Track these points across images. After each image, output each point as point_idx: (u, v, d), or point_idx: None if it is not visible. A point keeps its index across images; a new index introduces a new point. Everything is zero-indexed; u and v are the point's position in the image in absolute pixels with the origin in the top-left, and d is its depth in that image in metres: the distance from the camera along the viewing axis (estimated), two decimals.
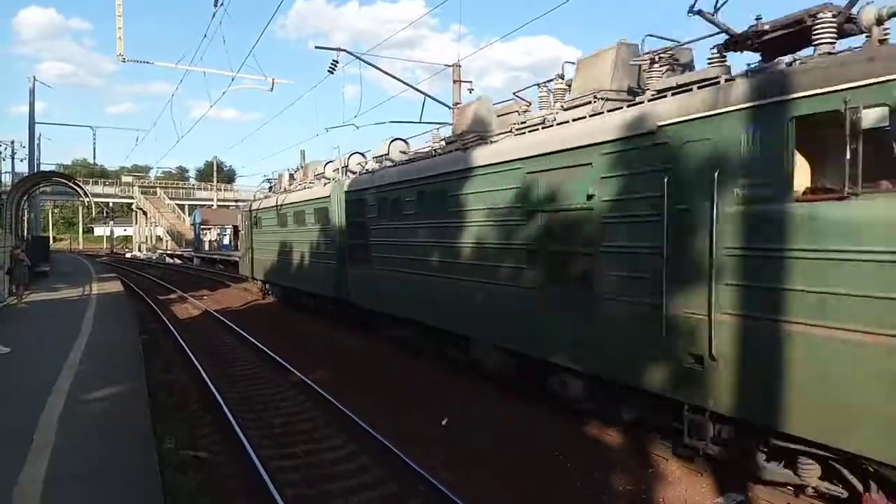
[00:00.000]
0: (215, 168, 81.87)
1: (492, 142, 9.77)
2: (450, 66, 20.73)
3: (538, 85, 9.53)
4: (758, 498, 6.18)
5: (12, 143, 48.07)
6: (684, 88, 6.52)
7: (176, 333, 15.35)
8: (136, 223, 76.26)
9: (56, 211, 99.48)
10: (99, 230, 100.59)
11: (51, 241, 50.16)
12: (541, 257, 8.30)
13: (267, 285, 24.02)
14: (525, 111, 9.69)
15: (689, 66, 7.46)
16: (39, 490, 5.23)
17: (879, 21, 5.36)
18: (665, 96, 6.73)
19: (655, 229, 6.46)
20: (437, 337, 11.49)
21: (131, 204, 75.95)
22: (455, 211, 10.23)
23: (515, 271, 8.79)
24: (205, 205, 73.49)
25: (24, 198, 29.79)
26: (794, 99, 5.26)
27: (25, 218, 34.26)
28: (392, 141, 14.44)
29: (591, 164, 7.35)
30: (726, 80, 6.08)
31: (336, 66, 17.92)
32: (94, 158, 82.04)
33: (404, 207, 12.11)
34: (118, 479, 5.52)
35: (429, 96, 18.19)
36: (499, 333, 9.39)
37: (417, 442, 7.68)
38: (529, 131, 8.92)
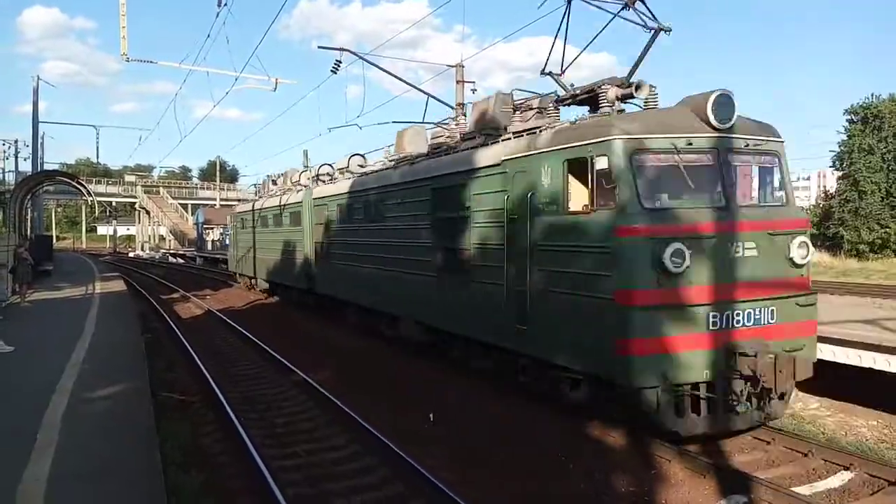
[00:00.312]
0: (218, 167, 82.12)
1: (413, 163, 12.26)
2: (453, 66, 20.74)
3: (451, 118, 12.57)
4: (760, 500, 6.17)
5: (16, 142, 48.41)
6: (519, 134, 9.12)
7: (178, 333, 15.38)
8: (139, 222, 76.48)
9: (59, 210, 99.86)
10: (102, 229, 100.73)
11: (54, 240, 50.19)
12: (439, 252, 10.85)
13: (253, 280, 25.78)
14: (448, 137, 12.08)
15: (553, 112, 9.51)
16: (43, 489, 5.24)
17: (618, 98, 8.32)
18: (510, 138, 9.31)
19: (500, 232, 8.99)
20: (381, 318, 13.90)
21: (134, 203, 76.14)
22: (387, 216, 12.93)
23: (424, 263, 11.30)
24: (208, 204, 73.59)
25: (28, 197, 29.85)
26: (565, 148, 7.86)
27: (29, 217, 34.29)
28: (351, 156, 17.19)
29: (467, 184, 9.92)
30: (539, 132, 8.58)
31: (339, 66, 17.96)
32: (98, 158, 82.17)
33: (353, 213, 14.89)
34: (121, 478, 5.53)
35: (432, 96, 18.16)
36: (415, 311, 11.96)
37: (414, 441, 7.67)
38: (438, 156, 11.51)
